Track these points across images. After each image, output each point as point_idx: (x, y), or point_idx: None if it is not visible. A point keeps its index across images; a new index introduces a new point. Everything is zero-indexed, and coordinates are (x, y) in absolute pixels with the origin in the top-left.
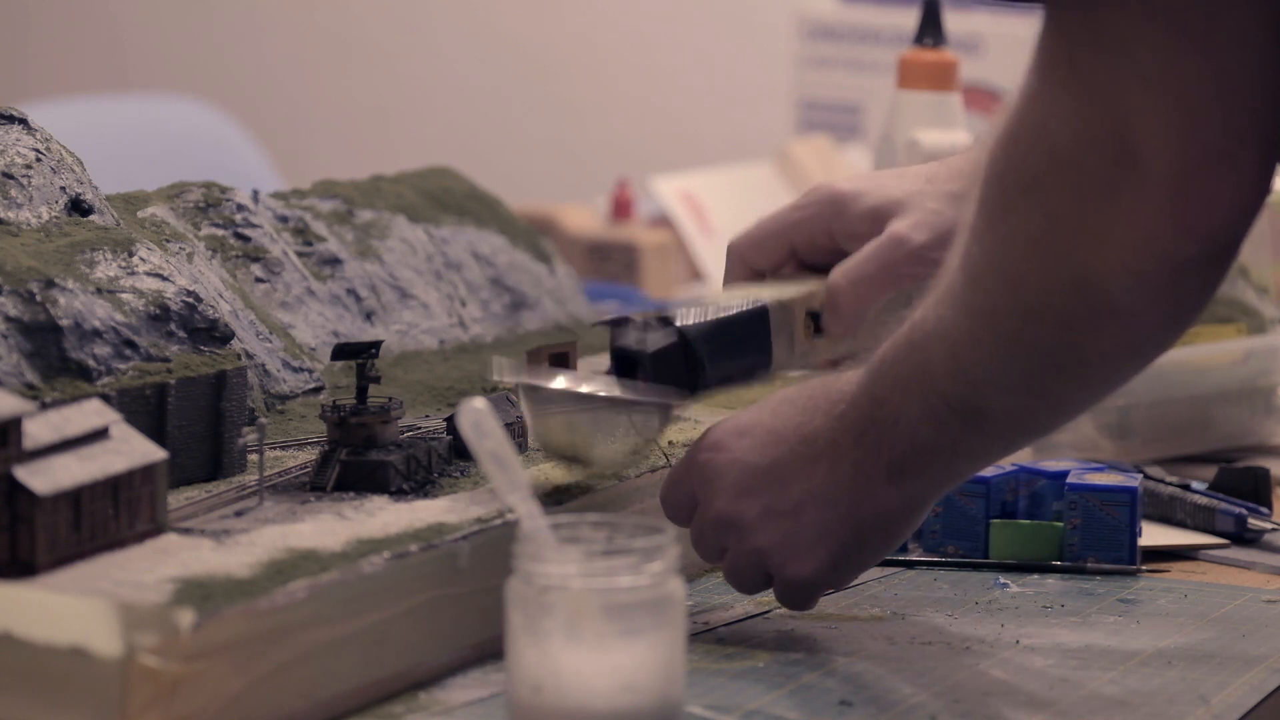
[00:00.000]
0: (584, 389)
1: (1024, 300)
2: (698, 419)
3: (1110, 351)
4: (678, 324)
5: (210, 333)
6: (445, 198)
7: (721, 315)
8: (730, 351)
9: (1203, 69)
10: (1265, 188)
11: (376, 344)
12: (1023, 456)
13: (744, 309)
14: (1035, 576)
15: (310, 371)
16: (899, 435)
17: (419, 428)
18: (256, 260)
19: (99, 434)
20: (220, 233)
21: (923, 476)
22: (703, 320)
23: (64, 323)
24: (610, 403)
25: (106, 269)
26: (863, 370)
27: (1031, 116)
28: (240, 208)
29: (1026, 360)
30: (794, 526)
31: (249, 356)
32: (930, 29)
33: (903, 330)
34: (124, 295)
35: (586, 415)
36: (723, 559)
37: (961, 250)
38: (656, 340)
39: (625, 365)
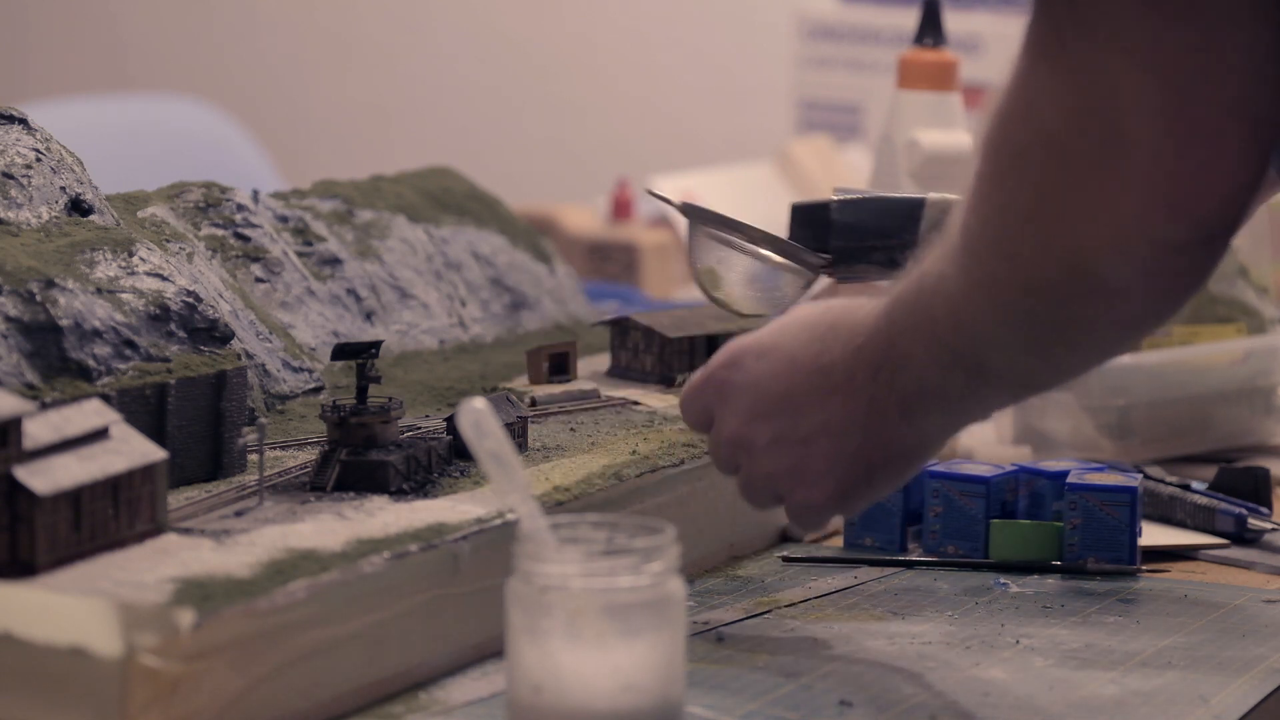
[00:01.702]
0: (737, 218)
1: (1018, 272)
2: None
3: (1104, 323)
4: (835, 195)
5: (210, 333)
6: (445, 198)
7: (875, 195)
8: (868, 227)
9: (1191, 48)
10: (1258, 172)
11: (376, 344)
12: (1023, 456)
13: (902, 197)
14: (1035, 576)
15: (310, 371)
16: (909, 376)
17: (419, 428)
18: (256, 260)
19: (99, 434)
20: (220, 233)
21: (931, 417)
22: (859, 197)
23: (64, 323)
24: (751, 236)
25: (106, 269)
26: (882, 304)
27: (1022, 95)
28: (240, 208)
29: (1024, 326)
30: (804, 455)
31: (249, 356)
32: (930, 29)
33: (915, 273)
34: (124, 295)
35: (734, 250)
36: (737, 474)
37: (961, 216)
38: (807, 200)
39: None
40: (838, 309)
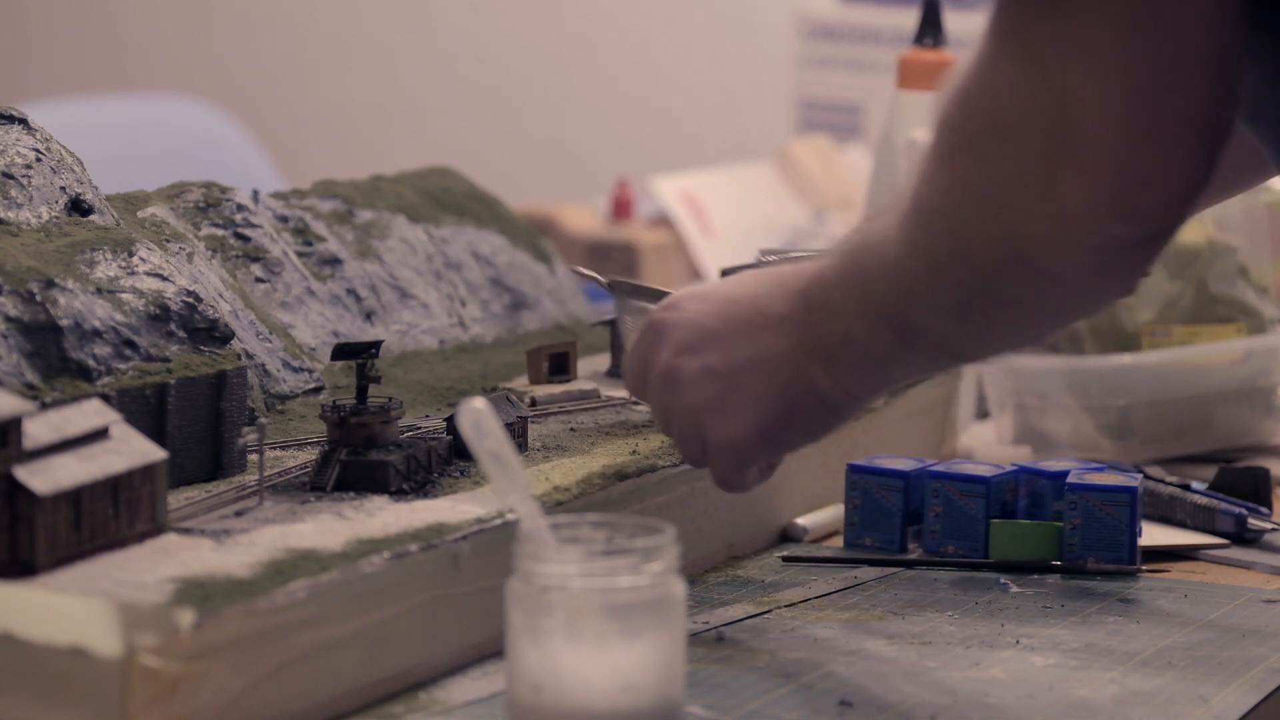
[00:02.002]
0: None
1: (960, 244)
2: None
3: (1037, 305)
4: (760, 257)
5: (210, 333)
6: (445, 198)
7: (795, 253)
8: None
9: (1151, 50)
10: (1205, 175)
11: (376, 344)
12: (1023, 456)
13: (817, 252)
14: (1035, 576)
15: (310, 371)
16: (836, 326)
17: (419, 428)
18: (256, 260)
19: (99, 434)
20: (220, 233)
21: (853, 372)
22: (778, 256)
23: (64, 323)
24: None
25: (106, 269)
26: (828, 256)
27: (983, 79)
28: (240, 208)
29: (958, 295)
30: (729, 387)
31: (249, 356)
32: (930, 29)
33: (863, 230)
34: (124, 295)
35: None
36: (670, 430)
37: (914, 182)
38: (732, 268)
39: None
40: (784, 266)
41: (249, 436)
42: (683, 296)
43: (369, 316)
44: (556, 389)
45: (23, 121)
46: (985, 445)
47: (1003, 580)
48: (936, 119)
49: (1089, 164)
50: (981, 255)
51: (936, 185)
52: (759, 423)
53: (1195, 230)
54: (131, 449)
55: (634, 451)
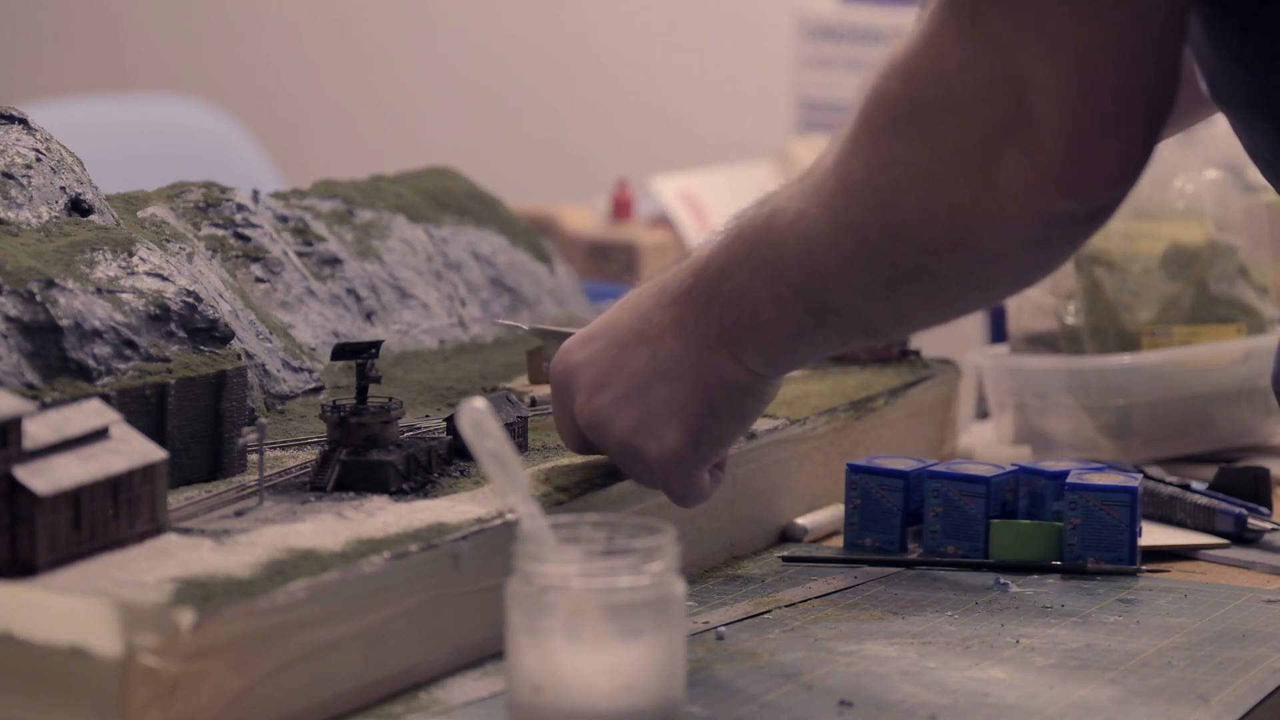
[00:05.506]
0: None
1: (894, 221)
2: None
3: (967, 283)
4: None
5: (210, 333)
6: (445, 198)
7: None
8: None
9: (1105, 35)
10: (1148, 154)
11: (376, 344)
12: (1023, 456)
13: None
14: (1035, 576)
15: (310, 371)
16: (741, 310)
17: (419, 428)
18: (256, 260)
19: (99, 434)
20: (220, 233)
21: (762, 354)
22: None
23: (64, 323)
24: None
25: (106, 269)
26: (716, 244)
27: (931, 55)
28: (240, 208)
29: (884, 271)
30: (645, 407)
31: (249, 356)
32: None
33: (761, 212)
34: (124, 295)
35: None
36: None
37: (837, 157)
38: None
39: None
40: (663, 274)
41: (249, 436)
42: (570, 345)
43: (369, 316)
44: None
45: (23, 121)
46: (985, 445)
47: (1003, 580)
48: (868, 95)
49: (1036, 142)
50: (917, 232)
51: (869, 161)
52: (686, 427)
53: (1195, 230)
54: (131, 449)
55: None
